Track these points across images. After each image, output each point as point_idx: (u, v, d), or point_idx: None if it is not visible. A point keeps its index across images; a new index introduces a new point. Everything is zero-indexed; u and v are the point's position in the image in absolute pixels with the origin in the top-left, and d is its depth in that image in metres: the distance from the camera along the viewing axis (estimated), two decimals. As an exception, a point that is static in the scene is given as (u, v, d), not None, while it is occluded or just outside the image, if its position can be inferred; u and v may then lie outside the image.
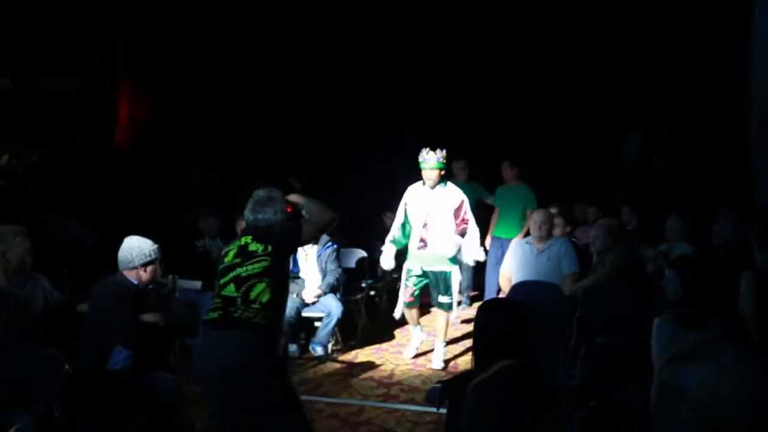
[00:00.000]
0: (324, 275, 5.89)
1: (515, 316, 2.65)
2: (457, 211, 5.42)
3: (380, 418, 4.46)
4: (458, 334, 6.34)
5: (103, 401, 3.35)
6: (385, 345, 6.20)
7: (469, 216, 5.49)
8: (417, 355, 5.78)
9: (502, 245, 6.83)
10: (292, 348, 5.83)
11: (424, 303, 5.88)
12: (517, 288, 5.02)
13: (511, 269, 5.32)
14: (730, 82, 8.26)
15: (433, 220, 5.43)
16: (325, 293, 5.81)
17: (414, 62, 9.14)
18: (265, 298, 3.13)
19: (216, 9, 8.61)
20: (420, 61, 9.20)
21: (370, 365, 5.64)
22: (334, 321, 5.68)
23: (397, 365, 5.64)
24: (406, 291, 5.59)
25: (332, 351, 5.85)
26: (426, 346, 5.87)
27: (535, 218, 5.25)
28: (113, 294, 3.55)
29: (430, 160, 5.29)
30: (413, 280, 5.55)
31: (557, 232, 6.05)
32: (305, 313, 5.84)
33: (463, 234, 5.43)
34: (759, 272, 4.20)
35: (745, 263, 4.50)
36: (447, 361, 5.61)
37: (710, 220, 5.56)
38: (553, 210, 6.09)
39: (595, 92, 9.06)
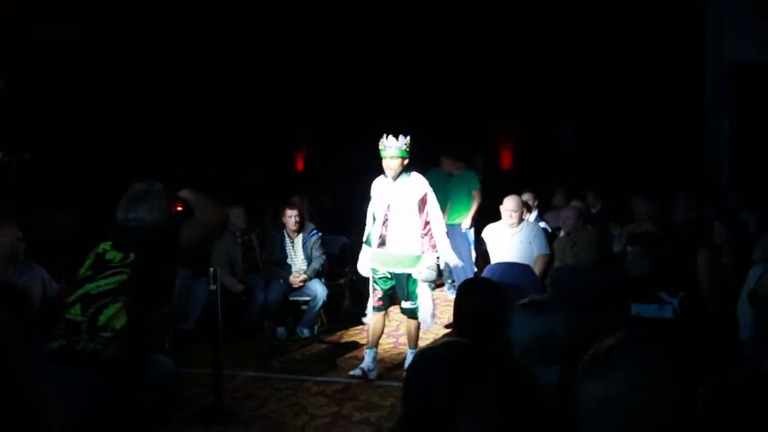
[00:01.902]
0: (309, 261, 6.04)
1: (494, 294, 2.72)
2: (421, 205, 4.77)
3: (365, 394, 4.59)
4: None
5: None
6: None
7: (435, 212, 4.82)
8: (398, 336, 5.86)
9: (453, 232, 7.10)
10: (281, 330, 5.96)
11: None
12: (491, 268, 5.16)
13: (486, 251, 5.45)
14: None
15: (394, 216, 4.79)
16: (310, 278, 5.96)
17: (398, 60, 9.17)
18: (119, 324, 2.38)
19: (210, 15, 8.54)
20: (403, 59, 9.25)
21: (355, 345, 5.77)
22: (319, 304, 5.86)
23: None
24: (374, 294, 4.96)
25: (318, 332, 5.97)
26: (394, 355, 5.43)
27: (507, 206, 5.33)
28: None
29: (391, 147, 4.67)
30: (380, 281, 4.92)
31: (531, 216, 6.22)
32: (292, 298, 5.98)
33: (434, 247, 4.79)
34: (713, 249, 4.39)
35: (703, 241, 4.69)
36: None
37: (671, 201, 5.72)
38: (526, 196, 6.24)
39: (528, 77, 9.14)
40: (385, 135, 4.70)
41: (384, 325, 5.04)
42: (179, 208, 2.55)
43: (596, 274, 4.82)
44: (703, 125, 8.39)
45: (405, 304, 4.88)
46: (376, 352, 4.97)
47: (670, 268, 4.28)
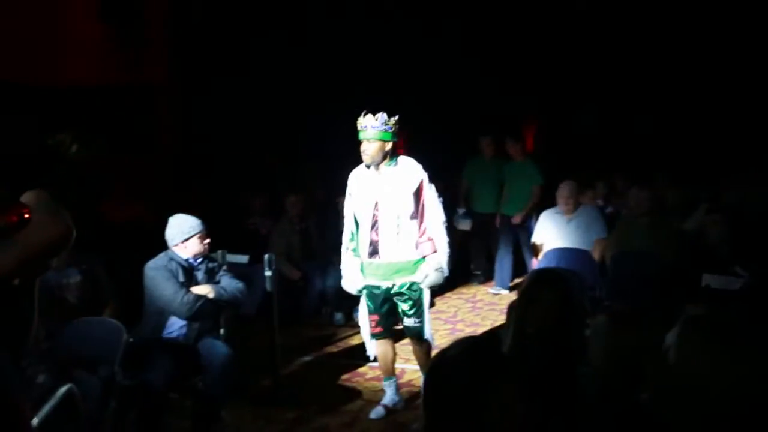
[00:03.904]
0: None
1: (570, 289, 2.43)
2: (417, 197, 3.77)
3: (420, 380, 4.47)
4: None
5: (162, 366, 3.43)
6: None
7: (431, 204, 3.79)
8: (455, 322, 5.69)
9: (510, 222, 6.76)
10: (338, 316, 5.90)
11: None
12: (549, 254, 4.96)
13: (543, 237, 5.23)
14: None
15: (384, 215, 3.75)
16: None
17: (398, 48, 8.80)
18: None
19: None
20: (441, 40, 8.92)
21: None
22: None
23: (436, 330, 5.60)
24: (369, 319, 3.92)
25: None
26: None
27: (562, 192, 5.12)
28: (164, 269, 3.63)
29: (366, 127, 3.67)
30: (372, 301, 3.89)
31: (586, 200, 5.92)
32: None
33: (435, 249, 3.79)
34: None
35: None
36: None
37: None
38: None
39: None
40: (363, 113, 3.72)
41: (394, 349, 4.05)
42: (12, 218, 1.73)
43: (665, 260, 4.53)
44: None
45: (408, 322, 3.87)
46: (395, 382, 4.08)
47: (747, 241, 4.04)
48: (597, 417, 2.04)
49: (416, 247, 3.78)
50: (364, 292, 3.89)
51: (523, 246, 6.72)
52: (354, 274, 3.88)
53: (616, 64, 8.46)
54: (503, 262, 6.82)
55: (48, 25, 6.63)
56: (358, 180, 3.88)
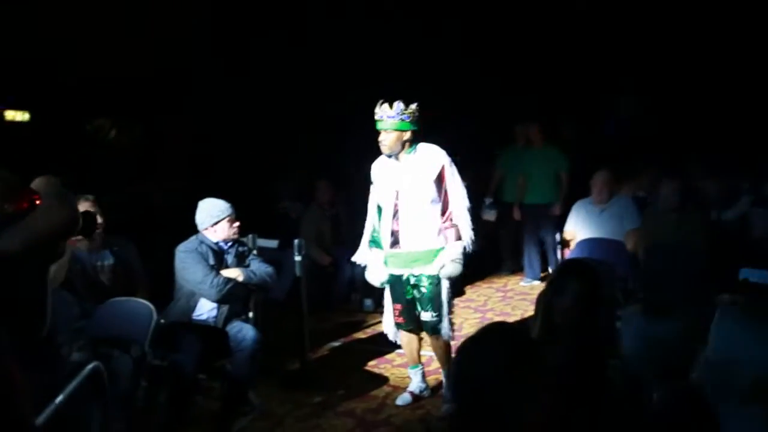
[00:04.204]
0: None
1: (598, 280, 2.42)
2: (439, 184, 3.67)
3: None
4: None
5: (192, 347, 3.46)
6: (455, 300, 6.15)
7: (455, 189, 3.68)
8: (485, 311, 5.64)
9: (536, 212, 6.56)
10: (367, 302, 5.89)
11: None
12: (581, 245, 4.86)
13: (575, 227, 5.13)
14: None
15: (404, 205, 3.69)
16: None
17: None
18: None
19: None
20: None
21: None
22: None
23: (466, 319, 5.59)
24: (393, 308, 3.90)
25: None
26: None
27: (596, 182, 4.99)
28: (195, 252, 3.66)
29: (382, 117, 3.58)
30: (395, 290, 3.84)
31: (625, 190, 5.76)
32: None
33: (459, 236, 3.68)
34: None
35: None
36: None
37: None
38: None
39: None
40: (380, 102, 3.63)
41: (420, 338, 3.98)
42: (23, 205, 1.77)
43: (697, 252, 4.40)
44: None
45: (424, 316, 3.76)
46: (421, 370, 4.04)
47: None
48: (624, 410, 2.00)
49: (439, 234, 3.68)
50: (391, 280, 3.82)
51: (544, 237, 6.56)
52: (377, 267, 3.82)
53: (655, 47, 8.19)
54: (531, 254, 6.66)
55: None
56: (380, 170, 3.82)
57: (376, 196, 3.86)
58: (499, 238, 7.11)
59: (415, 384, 4.03)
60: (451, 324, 3.83)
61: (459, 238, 3.68)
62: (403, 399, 3.97)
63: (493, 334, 1.57)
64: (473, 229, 3.74)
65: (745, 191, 5.30)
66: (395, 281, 3.80)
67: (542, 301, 2.50)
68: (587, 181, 5.19)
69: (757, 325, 1.66)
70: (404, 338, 3.95)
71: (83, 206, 3.55)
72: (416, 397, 3.98)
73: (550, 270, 6.54)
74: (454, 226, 3.68)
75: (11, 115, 6.90)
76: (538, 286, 6.37)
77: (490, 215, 6.80)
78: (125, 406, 3.03)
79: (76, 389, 2.36)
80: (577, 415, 1.68)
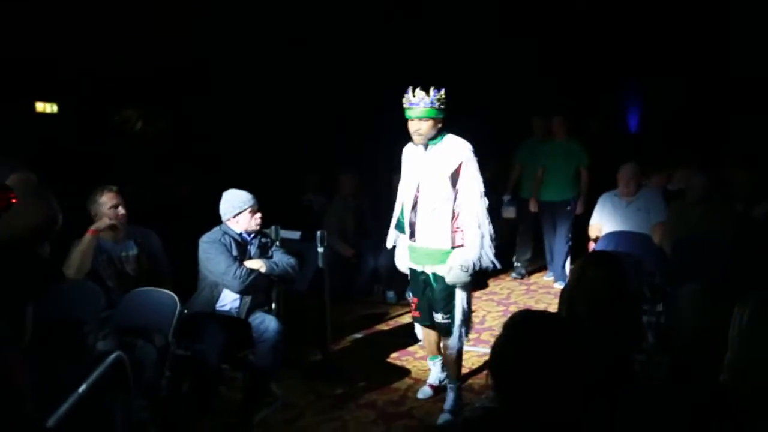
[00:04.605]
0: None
1: (619, 270, 2.39)
2: (454, 180, 3.45)
3: (470, 361, 4.38)
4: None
5: (215, 338, 3.46)
6: (477, 293, 6.09)
7: (467, 191, 3.44)
8: (508, 304, 5.57)
9: (552, 209, 6.32)
10: (390, 294, 5.86)
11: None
12: (607, 238, 4.76)
13: (601, 220, 5.02)
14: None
15: (423, 197, 3.51)
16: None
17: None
18: None
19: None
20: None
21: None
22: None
23: (489, 312, 5.53)
24: (412, 300, 3.82)
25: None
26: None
27: (623, 174, 4.86)
28: (218, 242, 3.64)
29: (418, 104, 3.37)
30: (418, 282, 3.70)
31: (653, 183, 5.62)
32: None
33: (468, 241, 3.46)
34: None
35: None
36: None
37: None
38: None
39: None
40: (410, 89, 3.42)
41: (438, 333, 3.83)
42: (1, 205, 1.69)
43: (725, 246, 4.28)
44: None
45: (437, 317, 3.61)
46: (441, 360, 3.93)
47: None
48: (646, 408, 1.96)
49: (450, 235, 3.47)
50: (413, 274, 3.72)
51: (557, 234, 6.32)
52: (403, 253, 3.75)
53: (690, 42, 7.96)
54: (554, 252, 6.41)
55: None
56: (407, 157, 3.67)
57: (402, 184, 3.72)
58: (517, 234, 6.78)
59: (434, 375, 3.97)
60: (466, 333, 3.65)
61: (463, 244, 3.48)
62: (424, 392, 3.91)
63: (530, 317, 1.64)
64: (492, 234, 3.51)
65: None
66: (414, 274, 3.71)
67: (566, 290, 2.47)
68: (612, 176, 5.06)
69: None
70: (423, 331, 3.89)
71: (107, 197, 3.57)
72: (436, 389, 3.91)
73: (554, 269, 6.41)
74: (461, 230, 3.47)
75: (41, 107, 6.98)
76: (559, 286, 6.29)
77: (509, 212, 6.60)
78: (149, 395, 3.04)
79: (98, 379, 2.36)
80: (593, 407, 1.66)
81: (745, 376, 1.57)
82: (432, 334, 3.84)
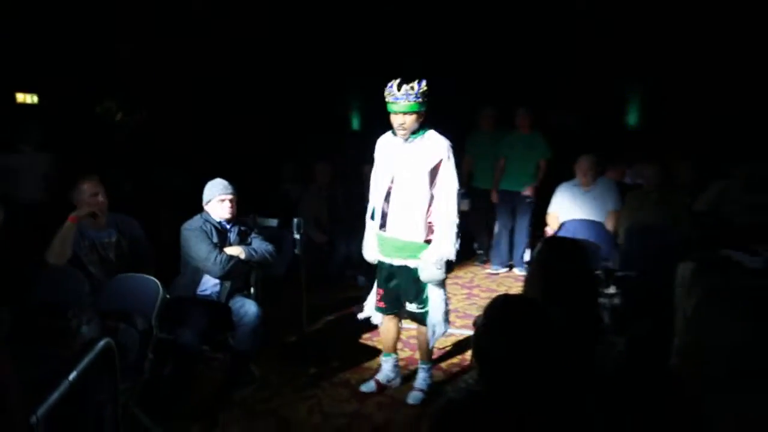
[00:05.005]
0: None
1: (580, 254, 2.46)
2: (432, 176, 3.45)
3: (439, 342, 4.56)
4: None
5: (197, 321, 3.57)
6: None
7: (445, 188, 3.44)
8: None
9: (512, 199, 6.38)
10: (361, 279, 6.03)
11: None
12: (565, 226, 4.98)
13: (559, 209, 5.25)
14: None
15: (397, 190, 3.51)
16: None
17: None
18: None
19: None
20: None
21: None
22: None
23: (454, 294, 5.74)
24: (376, 291, 3.77)
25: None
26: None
27: (581, 165, 5.09)
28: (199, 230, 3.76)
29: (402, 98, 3.33)
30: (384, 273, 3.69)
31: (611, 175, 5.87)
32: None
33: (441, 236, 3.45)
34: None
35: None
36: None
37: None
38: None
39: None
40: (394, 82, 3.34)
41: (398, 328, 3.89)
42: None
43: (676, 232, 4.52)
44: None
45: (410, 307, 3.61)
46: (394, 359, 3.90)
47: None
48: (608, 397, 2.04)
49: (424, 229, 3.48)
50: (380, 264, 3.71)
51: (519, 222, 6.41)
52: (372, 243, 3.72)
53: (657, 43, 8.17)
54: (501, 241, 6.51)
55: None
56: (382, 147, 3.64)
57: (375, 174, 3.71)
58: (471, 223, 6.73)
59: (384, 373, 3.91)
60: (447, 318, 3.62)
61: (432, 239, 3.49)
62: (368, 386, 3.85)
63: (506, 304, 1.68)
64: (457, 233, 3.48)
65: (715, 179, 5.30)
66: (381, 265, 3.69)
67: (529, 278, 2.56)
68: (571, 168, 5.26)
69: (730, 309, 1.64)
70: (384, 324, 3.84)
71: (87, 185, 3.64)
72: (381, 386, 3.86)
73: (514, 257, 6.52)
74: (432, 225, 3.48)
75: (21, 97, 6.96)
76: (505, 273, 6.50)
77: (463, 205, 6.69)
78: (132, 377, 3.11)
79: (87, 366, 2.43)
80: (568, 386, 1.73)
81: (693, 361, 1.67)
82: (392, 331, 3.84)
